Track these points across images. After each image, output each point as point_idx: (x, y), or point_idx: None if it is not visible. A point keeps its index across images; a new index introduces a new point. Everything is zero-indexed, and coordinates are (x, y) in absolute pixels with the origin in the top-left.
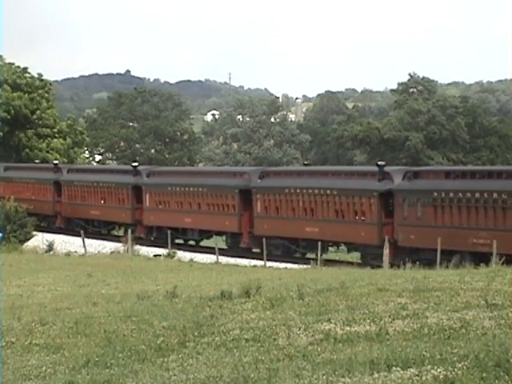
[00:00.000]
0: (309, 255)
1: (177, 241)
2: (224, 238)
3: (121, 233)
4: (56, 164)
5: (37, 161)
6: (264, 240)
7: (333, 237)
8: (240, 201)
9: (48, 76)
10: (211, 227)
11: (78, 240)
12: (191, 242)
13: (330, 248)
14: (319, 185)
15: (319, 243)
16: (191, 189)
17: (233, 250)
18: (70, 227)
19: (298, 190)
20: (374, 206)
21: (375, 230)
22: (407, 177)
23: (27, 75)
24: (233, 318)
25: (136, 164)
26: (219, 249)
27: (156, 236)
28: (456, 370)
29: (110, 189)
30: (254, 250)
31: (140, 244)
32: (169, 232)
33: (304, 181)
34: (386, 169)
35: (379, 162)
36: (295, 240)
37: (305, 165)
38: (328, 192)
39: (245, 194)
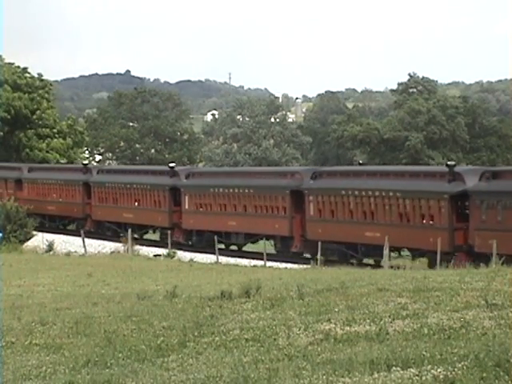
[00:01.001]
0: (366, 261)
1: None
2: (272, 241)
3: (155, 237)
4: (85, 164)
5: (59, 161)
6: (319, 244)
7: (396, 242)
8: (291, 202)
9: (48, 76)
10: (258, 231)
11: (78, 240)
12: (232, 247)
13: (392, 254)
14: (380, 186)
15: (386, 249)
16: (236, 190)
17: (282, 255)
18: (101, 231)
19: (357, 192)
20: (444, 209)
21: (446, 235)
22: (485, 177)
23: (27, 75)
24: (233, 318)
25: (173, 165)
26: (267, 254)
27: (196, 240)
28: (456, 369)
29: (145, 191)
30: (306, 255)
31: (179, 249)
32: (215, 237)
33: (362, 182)
34: (457, 169)
35: (449, 162)
36: (353, 245)
37: (360, 164)
38: (391, 194)
39: (296, 196)
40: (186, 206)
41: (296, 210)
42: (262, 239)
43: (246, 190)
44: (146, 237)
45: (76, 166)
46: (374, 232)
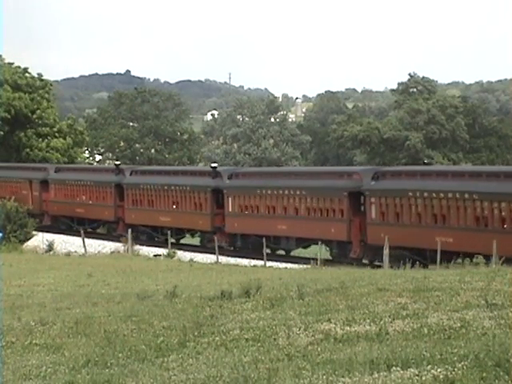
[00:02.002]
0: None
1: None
2: (324, 246)
3: (195, 241)
4: (118, 165)
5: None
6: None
7: (471, 248)
8: (349, 205)
9: (48, 76)
10: (312, 235)
11: (78, 240)
12: (278, 252)
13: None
14: (453, 188)
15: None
16: (286, 191)
17: (339, 261)
18: (135, 235)
19: (426, 194)
20: None
21: None
22: None
23: (27, 75)
24: (233, 318)
25: (215, 165)
26: (325, 260)
27: (241, 245)
28: (456, 369)
29: (185, 192)
30: (364, 261)
31: (223, 254)
32: (264, 240)
33: (432, 182)
34: None
35: None
36: (421, 251)
37: (424, 164)
38: (466, 196)
39: (354, 197)
40: (230, 209)
41: (355, 212)
42: (316, 244)
43: (298, 192)
44: (183, 241)
45: (108, 166)
46: (446, 237)
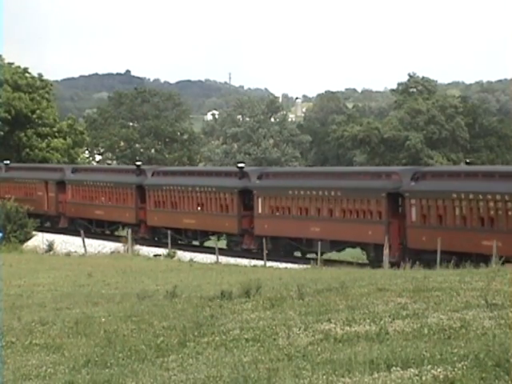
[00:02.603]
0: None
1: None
2: (359, 249)
3: (221, 244)
4: (139, 166)
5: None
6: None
7: None
8: (388, 206)
9: (48, 76)
10: (347, 238)
11: (78, 240)
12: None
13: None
14: (501, 189)
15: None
16: (320, 192)
17: (378, 265)
18: (157, 237)
19: (471, 196)
20: None
21: None
22: None
23: (27, 75)
24: (233, 318)
25: (242, 165)
26: (358, 263)
27: (271, 247)
28: (456, 369)
29: (210, 193)
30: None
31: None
32: (293, 243)
33: (478, 183)
34: None
35: None
36: (466, 255)
37: (467, 163)
38: None
39: (393, 199)
40: (259, 210)
41: (393, 214)
42: (352, 247)
43: (333, 193)
44: (208, 244)
45: (128, 167)
46: (492, 241)
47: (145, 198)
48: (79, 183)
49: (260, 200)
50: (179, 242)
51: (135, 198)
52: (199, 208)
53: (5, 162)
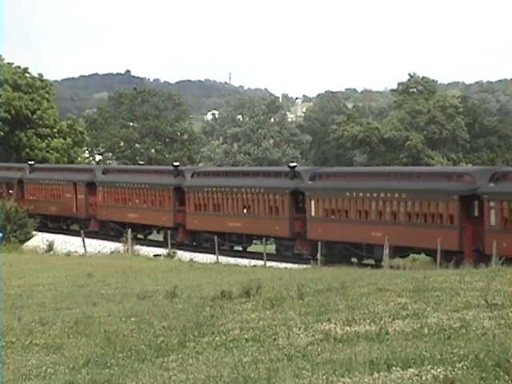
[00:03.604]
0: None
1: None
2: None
3: (269, 248)
4: (177, 166)
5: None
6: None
7: None
8: (460, 210)
9: (48, 76)
10: (413, 243)
11: (78, 240)
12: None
13: None
14: None
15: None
16: (382, 194)
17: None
18: (198, 242)
19: None
20: None
21: None
22: None
23: (28, 75)
24: (233, 318)
25: (294, 164)
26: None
27: (326, 253)
28: (456, 369)
29: (258, 195)
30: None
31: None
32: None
33: None
34: None
35: None
36: None
37: None
38: None
39: (466, 202)
40: (312, 213)
41: (467, 219)
42: (416, 253)
43: (397, 195)
44: (253, 249)
45: (165, 167)
46: None
47: (183, 200)
48: (111, 185)
49: (313, 202)
50: (222, 247)
51: (173, 200)
52: (245, 210)
53: (29, 162)
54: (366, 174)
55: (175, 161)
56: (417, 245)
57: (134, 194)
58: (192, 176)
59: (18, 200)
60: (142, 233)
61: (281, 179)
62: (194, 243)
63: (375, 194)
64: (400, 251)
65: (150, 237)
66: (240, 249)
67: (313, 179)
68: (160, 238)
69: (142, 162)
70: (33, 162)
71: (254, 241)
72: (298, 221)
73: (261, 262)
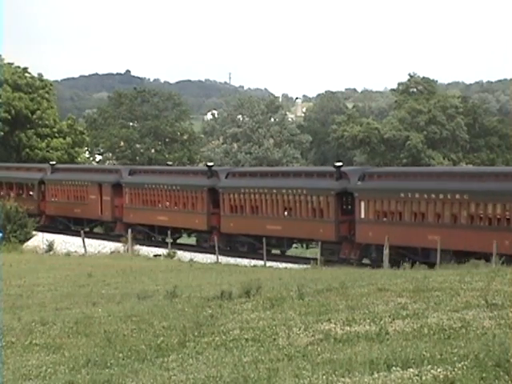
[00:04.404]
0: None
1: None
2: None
3: (310, 253)
4: (210, 166)
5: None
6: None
7: None
8: None
9: (48, 76)
10: (475, 247)
11: (78, 240)
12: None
13: None
14: None
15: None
16: (440, 195)
17: None
18: (233, 246)
19: None
20: None
21: None
22: None
23: (27, 75)
24: (233, 318)
25: (340, 164)
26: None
27: (375, 256)
28: (456, 369)
29: (300, 196)
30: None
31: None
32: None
33: None
34: None
35: None
36: None
37: None
38: None
39: None
40: (362, 215)
41: None
42: (477, 259)
43: (458, 196)
44: (290, 252)
45: (198, 168)
46: None
47: (217, 202)
48: (139, 186)
49: (363, 203)
50: (259, 251)
51: (207, 202)
52: (286, 213)
53: (51, 162)
54: (422, 173)
55: (177, 161)
56: (479, 249)
57: (163, 195)
58: (227, 176)
59: (39, 202)
60: (172, 236)
61: (325, 180)
62: (229, 247)
63: (433, 195)
64: (460, 256)
65: (180, 240)
66: (278, 253)
67: (362, 179)
68: (189, 241)
69: (170, 163)
70: (54, 162)
71: (294, 245)
72: (345, 223)
73: (261, 262)
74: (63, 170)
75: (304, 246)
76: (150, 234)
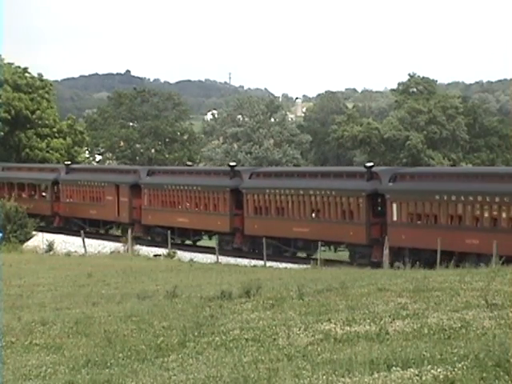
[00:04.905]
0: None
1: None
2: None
3: (340, 256)
4: (233, 166)
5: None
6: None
7: None
8: None
9: (48, 76)
10: None
11: (78, 240)
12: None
13: None
14: None
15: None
16: (479, 198)
17: None
18: (257, 248)
19: None
20: None
21: None
22: None
23: (27, 75)
24: (233, 318)
25: (371, 164)
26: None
27: (410, 260)
28: (456, 369)
29: (329, 197)
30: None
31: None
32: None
33: None
34: None
35: None
36: None
37: None
38: None
39: None
40: (394, 218)
41: None
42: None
43: (497, 199)
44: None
45: (219, 168)
46: None
47: (240, 203)
48: (158, 187)
49: (395, 205)
50: (285, 254)
51: (229, 203)
52: (314, 214)
53: (65, 162)
54: (458, 174)
55: (177, 161)
56: None
57: (184, 196)
58: (250, 177)
59: (52, 203)
60: (193, 238)
61: (355, 180)
62: (252, 250)
63: (471, 198)
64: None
65: (200, 243)
66: (304, 256)
67: (394, 180)
68: (209, 243)
69: (189, 163)
70: (69, 162)
71: (322, 247)
72: (376, 226)
73: (261, 262)
74: (78, 170)
75: (332, 248)
76: (170, 236)
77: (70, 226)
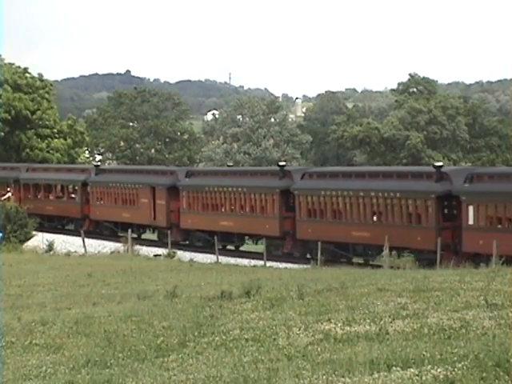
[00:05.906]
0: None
1: None
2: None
3: (403, 261)
4: (282, 166)
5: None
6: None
7: None
8: None
9: (48, 76)
10: None
11: (78, 240)
12: None
13: None
14: None
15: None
16: None
17: None
18: (310, 253)
19: None
20: None
21: None
22: None
23: (28, 75)
24: (233, 318)
25: (441, 164)
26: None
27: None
28: (456, 369)
29: (393, 200)
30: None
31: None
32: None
33: None
34: None
35: None
36: None
37: None
38: None
39: None
40: (470, 221)
41: None
42: None
43: None
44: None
45: (267, 168)
46: None
47: (291, 205)
48: (198, 188)
49: (471, 208)
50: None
51: (279, 205)
52: (375, 218)
53: (94, 163)
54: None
55: (177, 161)
56: None
57: (227, 198)
58: (302, 177)
59: (82, 205)
60: (237, 243)
61: (422, 181)
62: (307, 255)
63: None
64: None
65: (243, 248)
66: (361, 262)
67: (470, 181)
68: (252, 248)
69: (230, 164)
70: (99, 163)
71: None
72: (447, 230)
73: (261, 262)
74: (109, 171)
75: (396, 254)
76: (211, 241)
77: (100, 230)
